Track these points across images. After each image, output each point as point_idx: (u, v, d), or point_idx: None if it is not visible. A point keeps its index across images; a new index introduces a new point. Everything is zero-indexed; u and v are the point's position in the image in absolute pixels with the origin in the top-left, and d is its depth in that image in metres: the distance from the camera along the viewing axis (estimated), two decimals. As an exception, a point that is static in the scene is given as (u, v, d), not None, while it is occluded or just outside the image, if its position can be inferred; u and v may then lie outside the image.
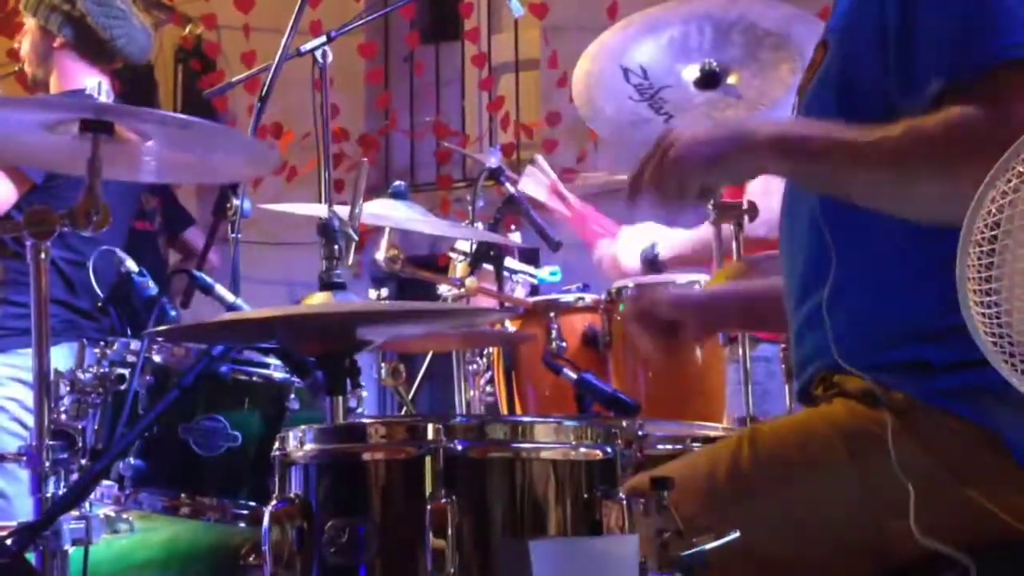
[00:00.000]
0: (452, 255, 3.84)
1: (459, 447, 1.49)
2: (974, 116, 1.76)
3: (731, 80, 3.16)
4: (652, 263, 3.71)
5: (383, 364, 3.39)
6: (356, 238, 2.08)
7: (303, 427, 1.58)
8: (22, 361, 3.39)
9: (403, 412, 3.75)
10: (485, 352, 3.73)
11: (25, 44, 3.74)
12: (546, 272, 4.17)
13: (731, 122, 1.96)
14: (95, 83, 2.53)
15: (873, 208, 1.86)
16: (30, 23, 3.71)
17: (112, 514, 2.55)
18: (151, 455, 2.52)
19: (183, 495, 2.54)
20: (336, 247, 2.04)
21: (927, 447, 1.83)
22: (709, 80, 3.14)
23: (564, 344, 3.49)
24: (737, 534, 1.58)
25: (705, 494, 1.86)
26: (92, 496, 2.43)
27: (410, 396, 3.84)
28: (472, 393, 3.80)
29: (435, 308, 2.27)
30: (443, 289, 3.69)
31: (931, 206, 1.79)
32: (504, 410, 3.60)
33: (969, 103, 1.77)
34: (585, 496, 1.55)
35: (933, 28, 1.84)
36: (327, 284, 2.04)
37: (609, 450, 1.58)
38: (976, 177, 1.41)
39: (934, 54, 1.83)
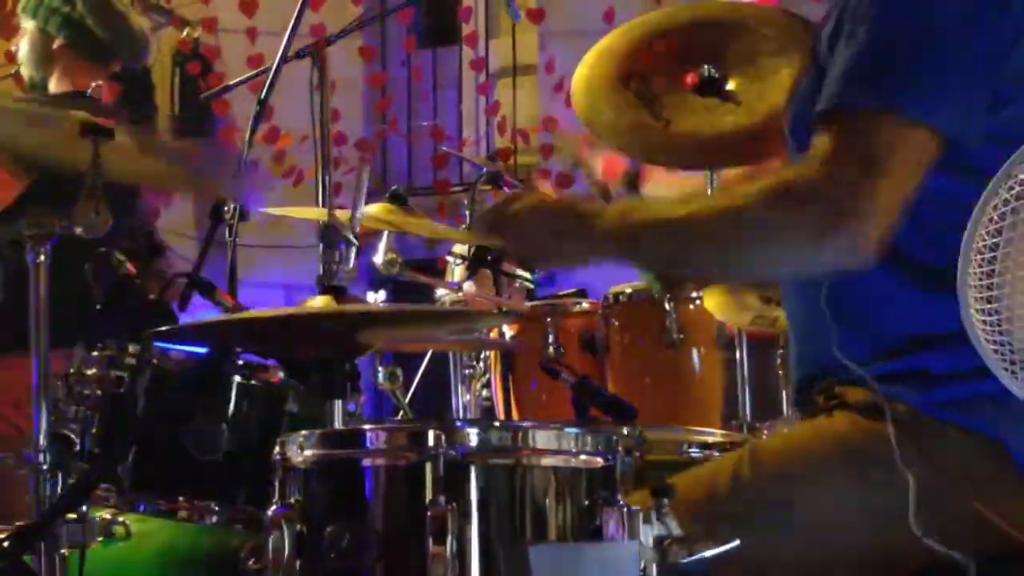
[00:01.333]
0: (449, 259, 3.84)
1: (459, 453, 1.49)
2: (798, 179, 1.79)
3: (731, 86, 3.16)
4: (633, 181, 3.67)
5: (380, 368, 3.39)
6: (356, 242, 2.08)
7: (303, 432, 1.59)
8: (20, 364, 3.38)
9: (400, 416, 3.74)
10: (482, 356, 3.73)
11: (23, 46, 3.74)
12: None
13: (581, 205, 1.98)
14: (97, 85, 2.53)
15: (707, 274, 1.90)
16: (28, 25, 3.71)
17: (109, 517, 2.55)
18: (149, 458, 2.51)
19: (181, 499, 2.53)
20: (336, 251, 2.03)
21: (929, 457, 1.83)
22: (708, 86, 3.14)
23: (561, 349, 3.50)
24: (737, 542, 1.58)
25: (706, 511, 1.86)
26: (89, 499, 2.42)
27: (407, 400, 3.84)
28: (468, 397, 3.81)
29: (436, 312, 2.28)
30: (441, 293, 3.70)
31: (755, 269, 1.83)
32: (501, 414, 3.61)
33: (832, 140, 1.79)
34: (585, 503, 1.55)
35: (835, 59, 1.85)
36: (327, 288, 2.04)
37: (609, 457, 1.58)
38: (798, 241, 1.46)
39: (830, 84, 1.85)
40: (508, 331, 3.62)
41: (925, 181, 1.79)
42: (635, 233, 1.92)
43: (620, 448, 1.59)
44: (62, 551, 2.33)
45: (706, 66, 3.15)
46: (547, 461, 1.53)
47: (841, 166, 1.76)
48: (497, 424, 2.00)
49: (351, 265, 2.02)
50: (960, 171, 1.80)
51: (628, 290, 3.52)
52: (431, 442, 1.50)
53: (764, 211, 1.79)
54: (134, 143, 2.35)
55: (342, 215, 2.26)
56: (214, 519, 2.53)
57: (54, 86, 3.67)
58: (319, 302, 2.05)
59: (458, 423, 1.48)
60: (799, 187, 1.78)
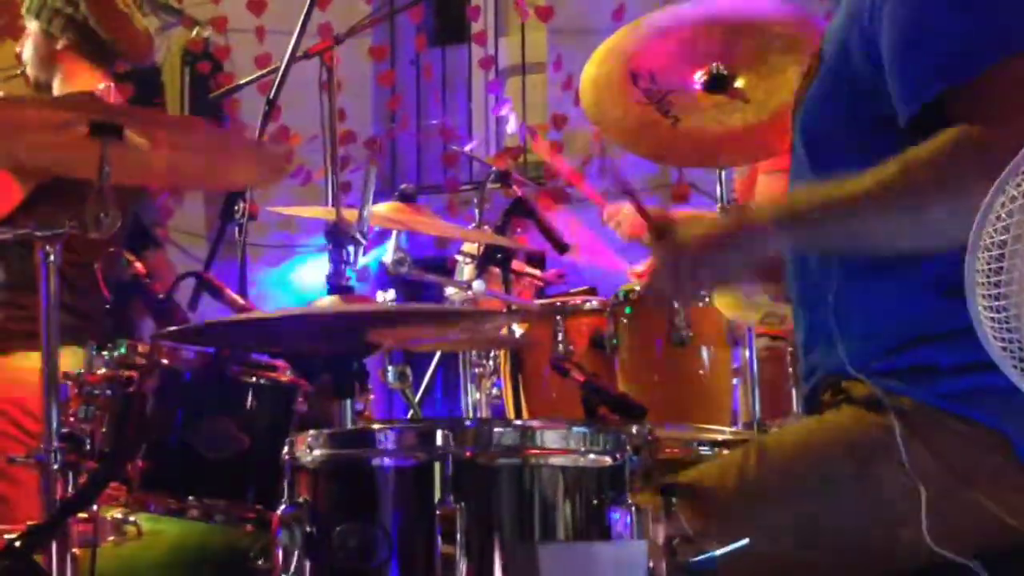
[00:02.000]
0: (459, 258, 3.84)
1: (468, 453, 1.49)
2: (973, 130, 1.76)
3: (739, 83, 3.15)
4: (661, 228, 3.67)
5: (390, 367, 3.39)
6: (364, 241, 2.08)
7: (313, 431, 1.58)
8: (27, 363, 3.39)
9: (410, 415, 3.75)
10: (492, 355, 3.73)
11: (27, 47, 3.74)
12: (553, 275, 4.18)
13: (729, 218, 1.98)
14: (104, 85, 2.54)
15: (893, 251, 1.85)
16: (32, 26, 3.71)
17: (119, 516, 2.55)
18: (158, 457, 2.52)
19: (190, 498, 2.53)
20: (345, 250, 2.04)
21: (934, 451, 1.83)
22: (717, 83, 3.13)
23: (571, 347, 3.49)
24: (746, 541, 1.58)
25: (713, 505, 1.86)
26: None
27: (416, 399, 3.84)
28: (478, 396, 3.80)
29: (445, 310, 2.28)
30: (450, 292, 3.69)
31: (943, 228, 1.78)
32: (511, 413, 3.60)
33: (967, 110, 1.77)
34: (594, 502, 1.55)
35: (935, 34, 1.84)
36: (336, 287, 2.04)
37: (618, 456, 1.58)
38: (984, 187, 1.41)
39: (932, 61, 1.83)
40: (518, 330, 3.62)
41: None
42: (799, 218, 1.90)
43: (628, 447, 1.59)
44: (73, 550, 2.34)
45: (715, 64, 3.15)
46: (556, 460, 1.53)
47: (1014, 115, 1.74)
48: (506, 423, 1.99)
49: (360, 263, 2.03)
50: None
51: (637, 288, 3.51)
52: (440, 442, 1.50)
53: (956, 165, 1.75)
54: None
55: (350, 214, 2.27)
56: (223, 518, 2.54)
57: (58, 87, 3.68)
58: (328, 302, 2.06)
59: (467, 422, 1.48)
60: (980, 137, 1.74)
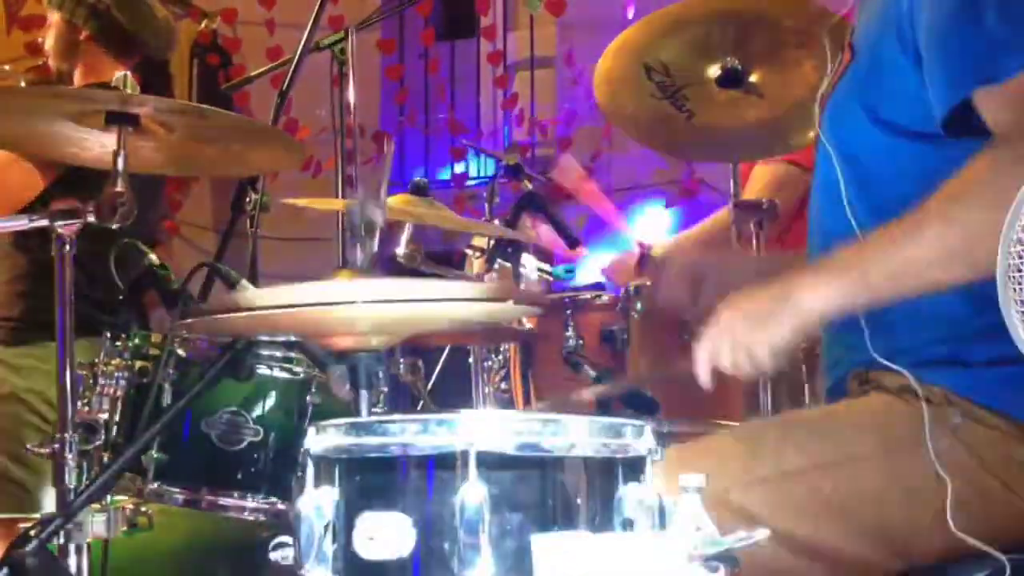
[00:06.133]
0: (468, 252, 3.83)
1: (491, 442, 1.49)
2: (1001, 145, 1.74)
3: (753, 78, 3.15)
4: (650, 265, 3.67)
5: (401, 360, 3.39)
6: (381, 223, 2.06)
7: (334, 421, 1.58)
8: (45, 353, 3.39)
9: (419, 408, 3.74)
10: (501, 349, 3.72)
11: (49, 38, 3.74)
12: (561, 269, 4.17)
13: (774, 296, 1.87)
14: (121, 76, 2.54)
15: (950, 284, 1.80)
16: (54, 17, 3.71)
17: (132, 507, 2.55)
18: (173, 449, 2.52)
19: (204, 489, 2.53)
20: (362, 240, 2.02)
21: (963, 441, 1.83)
22: (731, 78, 3.13)
23: (582, 342, 3.48)
24: (767, 533, 1.58)
25: (739, 473, 1.86)
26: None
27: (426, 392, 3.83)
28: (487, 390, 3.80)
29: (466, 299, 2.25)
30: (461, 285, 3.69)
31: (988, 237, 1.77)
32: (520, 407, 3.59)
33: (999, 113, 1.76)
34: (617, 493, 1.54)
35: (967, 38, 1.83)
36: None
37: (641, 447, 1.57)
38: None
39: (966, 64, 1.82)
40: (527, 324, 3.61)
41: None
42: (858, 267, 1.82)
43: (651, 437, 1.58)
44: (86, 540, 2.34)
45: (729, 58, 3.14)
46: (579, 451, 1.53)
47: None
48: (528, 413, 1.99)
49: (375, 248, 2.01)
50: None
51: (648, 283, 3.51)
52: (462, 431, 1.49)
53: (1000, 177, 1.70)
54: None
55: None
56: (236, 510, 2.54)
57: (79, 78, 3.68)
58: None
59: (490, 412, 1.47)
60: (1010, 153, 1.73)
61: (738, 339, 1.87)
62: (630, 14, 6.24)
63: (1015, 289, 1.27)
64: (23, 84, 3.68)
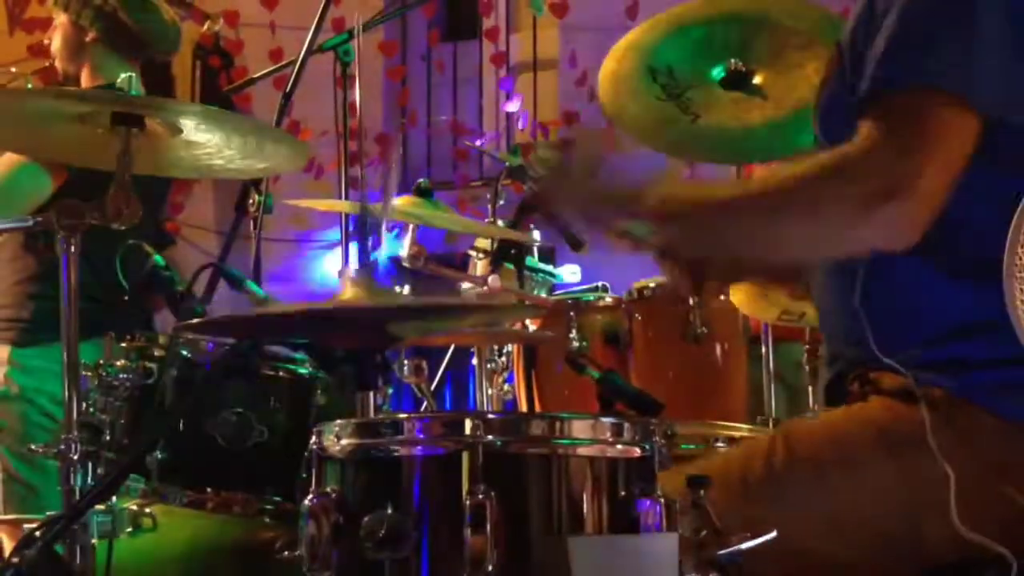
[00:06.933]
0: (472, 253, 3.84)
1: (497, 443, 1.49)
2: (863, 148, 1.78)
3: (757, 80, 3.15)
4: None
5: (405, 361, 3.40)
6: (387, 217, 2.06)
7: (340, 421, 1.58)
8: (55, 354, 3.40)
9: (423, 409, 3.74)
10: (505, 351, 3.73)
11: (56, 40, 3.74)
12: (566, 271, 4.17)
13: (631, 178, 1.95)
14: (126, 77, 2.55)
15: (748, 255, 1.88)
16: (61, 18, 3.71)
17: (137, 508, 2.55)
18: (177, 449, 2.52)
19: (209, 489, 2.53)
20: (369, 240, 2.03)
21: (965, 442, 1.83)
22: (735, 80, 3.13)
23: (585, 343, 3.49)
24: (774, 534, 1.58)
25: (740, 492, 1.86)
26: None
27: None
28: (490, 392, 3.80)
29: (472, 304, 2.27)
30: (465, 287, 3.69)
31: (797, 248, 1.83)
32: (523, 409, 3.60)
33: (877, 121, 1.79)
34: (622, 493, 1.55)
35: (875, 43, 1.85)
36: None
37: (647, 447, 1.57)
38: (842, 215, 1.45)
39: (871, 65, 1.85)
40: (531, 326, 3.62)
41: (968, 164, 1.79)
42: (679, 212, 1.91)
43: (657, 438, 1.58)
44: (91, 541, 2.34)
45: (733, 60, 3.14)
46: (584, 451, 1.53)
47: (887, 144, 1.76)
48: (534, 414, 1.99)
49: (382, 251, 2.01)
50: (1000, 160, 1.80)
51: (652, 284, 3.51)
52: (469, 431, 1.50)
53: (812, 186, 1.80)
54: None
55: (373, 208, 2.26)
56: (241, 510, 2.54)
57: (86, 80, 3.68)
58: (350, 295, 2.05)
59: (496, 412, 1.48)
60: (847, 164, 1.78)
61: (576, 184, 1.95)
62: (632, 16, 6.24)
63: (1021, 289, 1.27)
64: (30, 86, 3.68)
